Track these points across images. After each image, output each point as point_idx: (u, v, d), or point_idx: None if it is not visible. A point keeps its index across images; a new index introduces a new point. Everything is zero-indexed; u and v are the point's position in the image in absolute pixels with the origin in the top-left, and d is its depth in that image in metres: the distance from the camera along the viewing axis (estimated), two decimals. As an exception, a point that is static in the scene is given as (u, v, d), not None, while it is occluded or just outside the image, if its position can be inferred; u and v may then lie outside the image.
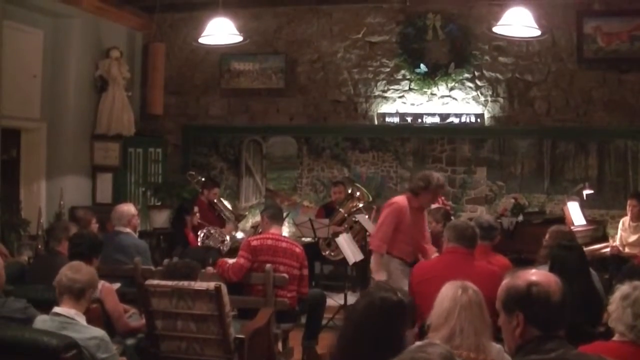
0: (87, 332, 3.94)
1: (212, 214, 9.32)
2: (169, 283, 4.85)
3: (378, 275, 6.30)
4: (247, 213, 10.27)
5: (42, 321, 4.01)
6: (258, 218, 8.78)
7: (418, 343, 2.30)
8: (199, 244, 8.47)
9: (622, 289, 3.32)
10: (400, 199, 6.55)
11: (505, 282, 2.81)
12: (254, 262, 6.18)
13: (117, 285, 5.55)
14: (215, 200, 9.43)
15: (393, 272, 6.22)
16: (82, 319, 4.02)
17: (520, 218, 8.59)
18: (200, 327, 4.82)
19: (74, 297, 4.03)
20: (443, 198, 8.95)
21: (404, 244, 6.38)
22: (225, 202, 9.78)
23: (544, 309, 2.66)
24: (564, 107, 9.59)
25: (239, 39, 7.59)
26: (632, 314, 3.20)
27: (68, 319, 3.96)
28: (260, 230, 7.02)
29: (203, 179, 9.77)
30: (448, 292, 3.37)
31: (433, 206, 8.22)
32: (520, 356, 2.69)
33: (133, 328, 5.30)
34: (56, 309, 4.01)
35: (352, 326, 2.80)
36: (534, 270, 2.84)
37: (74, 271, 4.10)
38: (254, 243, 6.28)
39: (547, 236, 5.76)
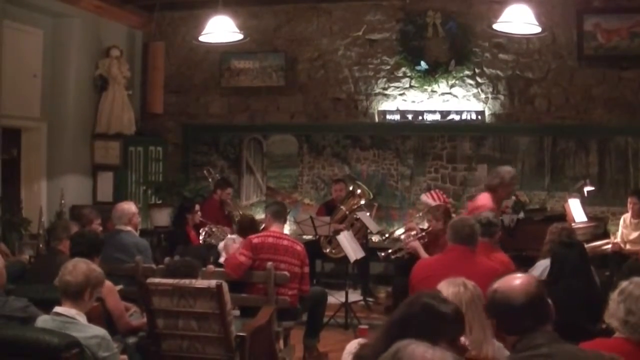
0: (88, 331, 3.94)
1: (222, 213, 9.31)
2: (170, 281, 4.84)
3: None
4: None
5: (43, 321, 4.01)
6: (258, 216, 8.79)
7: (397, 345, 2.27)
8: (200, 242, 8.46)
9: (621, 284, 3.32)
10: (485, 198, 6.89)
11: None
12: (254, 260, 6.18)
13: (119, 287, 5.53)
14: (228, 200, 9.42)
15: None
16: (82, 319, 4.02)
17: (521, 215, 8.59)
18: (201, 325, 4.82)
19: (71, 298, 4.02)
20: (444, 195, 8.96)
21: None
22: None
23: (506, 314, 2.78)
24: (564, 104, 9.59)
25: (239, 37, 7.59)
26: (624, 308, 3.19)
27: (69, 318, 3.95)
28: (262, 226, 7.02)
29: (219, 177, 9.81)
30: (449, 291, 3.36)
31: (433, 204, 8.25)
32: (513, 353, 2.73)
33: (134, 327, 5.31)
34: (57, 309, 4.01)
35: (388, 325, 2.77)
36: (509, 276, 2.91)
37: (66, 273, 4.05)
38: (255, 241, 6.28)
39: (548, 233, 5.77)
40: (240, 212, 9.49)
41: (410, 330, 2.56)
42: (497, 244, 5.70)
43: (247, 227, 7.07)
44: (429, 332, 2.54)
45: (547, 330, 2.73)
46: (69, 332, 3.82)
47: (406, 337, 2.38)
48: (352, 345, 3.02)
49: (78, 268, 4.09)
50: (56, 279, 4.11)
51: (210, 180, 9.91)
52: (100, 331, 3.99)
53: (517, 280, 2.87)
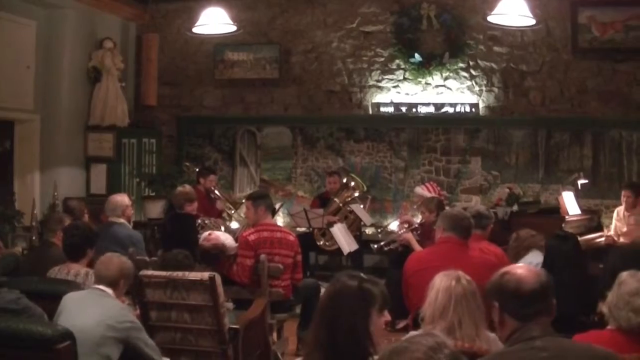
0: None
1: (210, 204, 9.21)
2: (164, 274, 4.83)
3: None
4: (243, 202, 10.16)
5: (77, 296, 4.22)
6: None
7: (412, 333, 2.31)
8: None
9: (620, 275, 3.32)
10: None
11: None
12: (254, 256, 6.14)
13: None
14: (212, 188, 9.30)
15: None
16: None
17: (515, 208, 8.60)
18: (194, 317, 4.81)
19: (109, 284, 4.25)
20: (439, 188, 8.96)
21: None
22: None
23: (513, 297, 2.75)
24: (559, 97, 9.59)
25: (233, 28, 7.57)
26: (617, 298, 3.21)
27: (107, 292, 4.20)
28: (248, 220, 6.85)
29: (197, 170, 9.72)
30: (441, 284, 3.36)
31: (428, 196, 8.25)
32: (507, 345, 2.75)
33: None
34: (96, 286, 4.25)
35: (317, 313, 2.87)
36: (518, 265, 2.92)
37: (102, 268, 4.30)
38: (252, 238, 6.21)
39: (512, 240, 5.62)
40: (228, 200, 9.40)
41: (332, 310, 2.78)
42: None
43: (212, 257, 6.29)
44: (352, 307, 2.74)
45: (544, 323, 2.73)
46: (104, 304, 4.11)
47: (331, 317, 2.73)
48: None
49: (112, 262, 4.32)
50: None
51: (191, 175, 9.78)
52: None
53: (528, 269, 2.88)
